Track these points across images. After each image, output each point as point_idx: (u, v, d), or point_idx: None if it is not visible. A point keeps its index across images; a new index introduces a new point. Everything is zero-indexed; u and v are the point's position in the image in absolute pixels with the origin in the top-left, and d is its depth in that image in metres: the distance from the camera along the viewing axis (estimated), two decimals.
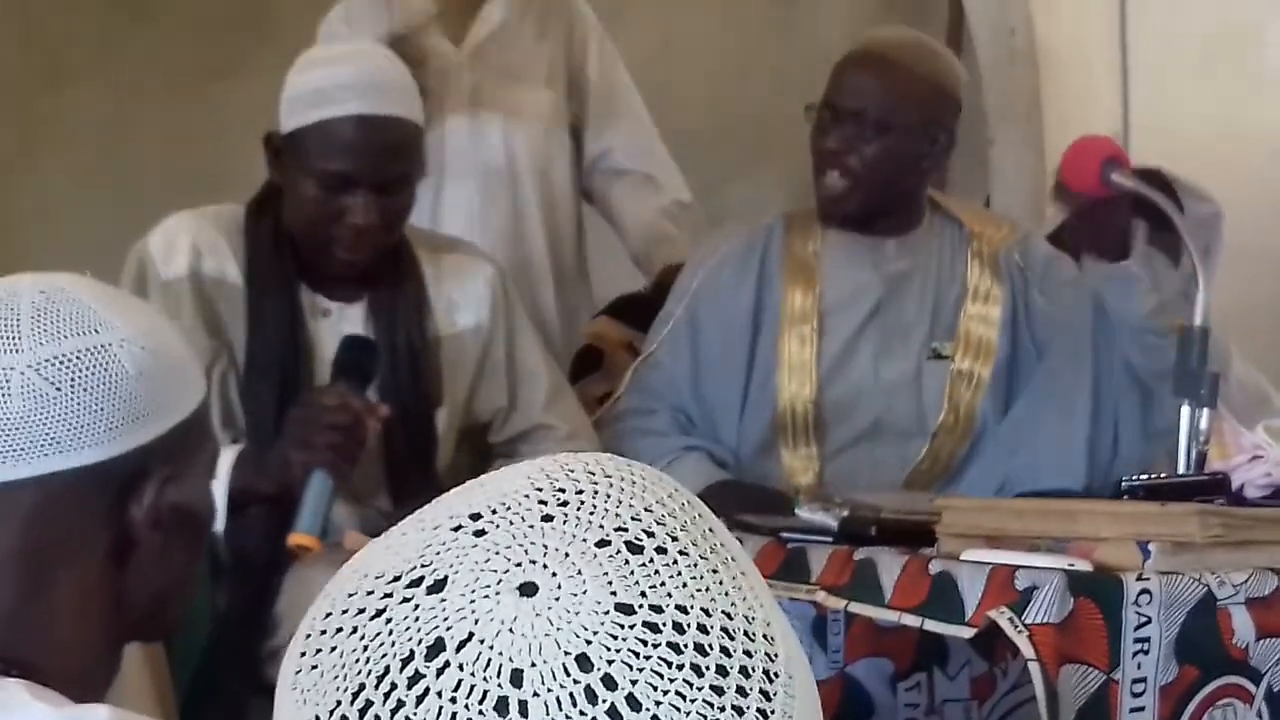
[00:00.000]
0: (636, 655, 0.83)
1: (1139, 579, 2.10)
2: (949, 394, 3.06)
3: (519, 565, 0.86)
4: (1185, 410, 2.62)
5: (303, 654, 0.89)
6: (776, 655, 0.87)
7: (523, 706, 0.82)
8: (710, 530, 0.91)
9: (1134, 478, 2.41)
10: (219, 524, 2.51)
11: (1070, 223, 3.35)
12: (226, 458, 2.54)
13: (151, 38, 4.75)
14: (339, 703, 0.85)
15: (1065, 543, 2.19)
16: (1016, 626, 2.05)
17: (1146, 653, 2.09)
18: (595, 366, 3.36)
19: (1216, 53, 4.42)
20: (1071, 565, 2.11)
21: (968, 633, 2.14)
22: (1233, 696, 2.18)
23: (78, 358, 1.37)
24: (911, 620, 2.21)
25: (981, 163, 4.33)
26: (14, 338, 1.36)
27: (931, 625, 2.18)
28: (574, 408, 3.00)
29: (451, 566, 0.87)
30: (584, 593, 0.85)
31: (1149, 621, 2.09)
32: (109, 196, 4.51)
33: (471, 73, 3.48)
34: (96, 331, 1.38)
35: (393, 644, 0.85)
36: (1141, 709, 2.10)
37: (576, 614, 0.84)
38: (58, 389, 1.36)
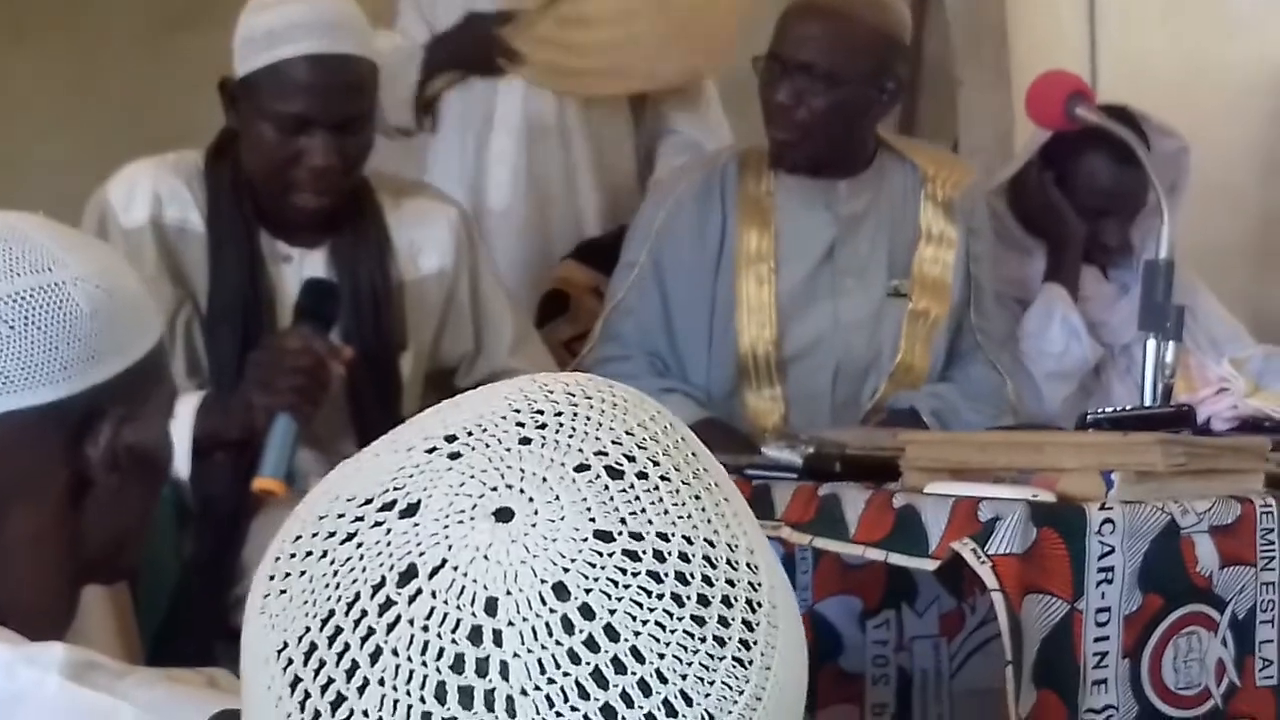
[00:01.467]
0: (615, 584, 0.81)
1: (1102, 508, 2.09)
2: (906, 333, 3.07)
3: (495, 490, 0.84)
4: (1151, 343, 2.63)
5: (271, 578, 0.86)
6: (760, 585, 0.85)
7: (497, 635, 0.80)
8: (694, 455, 0.89)
9: (1099, 410, 2.41)
10: (185, 470, 2.51)
11: (1033, 168, 3.36)
12: (190, 403, 2.53)
13: None
14: (308, 629, 0.83)
15: (1029, 474, 2.19)
16: (979, 557, 2.04)
17: (1110, 582, 2.09)
18: (561, 310, 3.36)
19: None
20: (1035, 496, 2.11)
21: (932, 565, 2.14)
22: (1197, 625, 2.18)
23: (31, 296, 1.36)
24: (876, 554, 2.21)
25: (950, 103, 4.32)
26: None
27: (896, 559, 2.18)
28: (540, 351, 2.99)
29: (425, 490, 0.85)
30: (562, 519, 0.82)
31: (1112, 551, 2.09)
32: (73, 151, 4.47)
33: (540, 19, 3.46)
34: (50, 270, 1.37)
35: (364, 569, 0.83)
36: (1106, 638, 2.10)
37: (554, 541, 0.82)
38: (11, 327, 1.35)
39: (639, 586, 0.81)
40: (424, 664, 0.80)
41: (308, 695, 0.82)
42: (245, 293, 2.69)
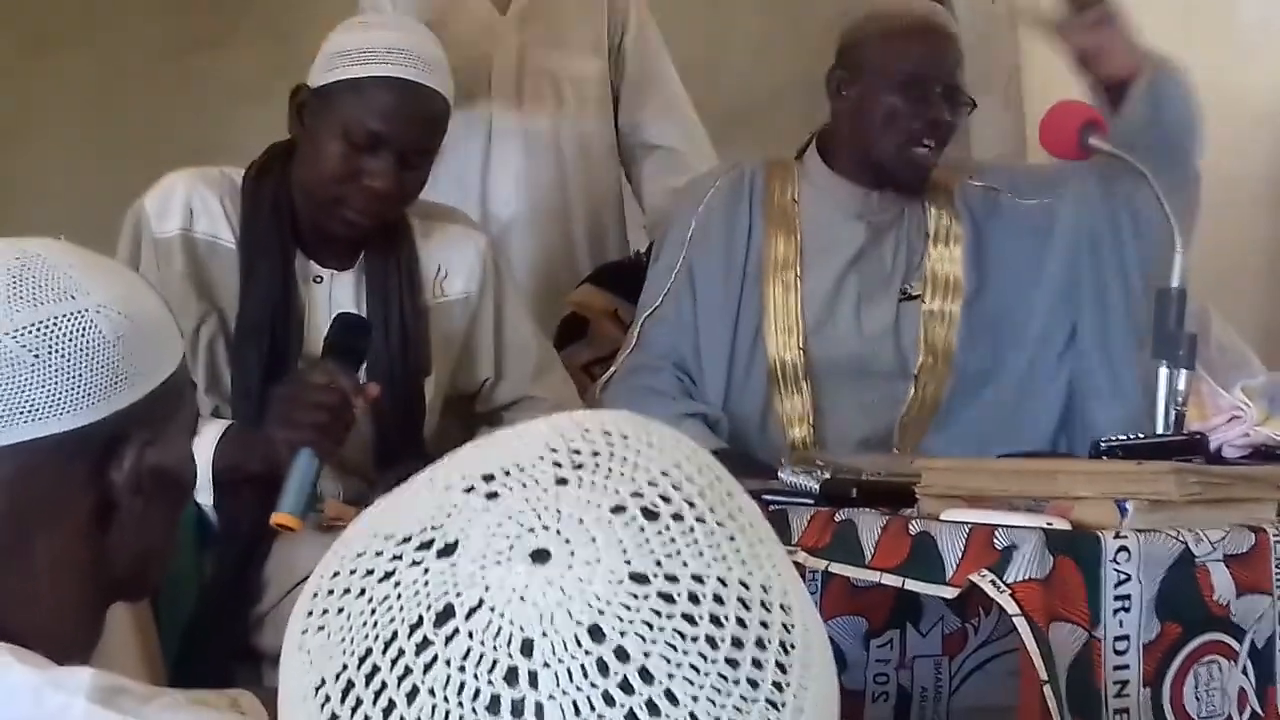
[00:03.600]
0: (650, 627, 0.81)
1: (1117, 537, 2.10)
2: (925, 336, 3.09)
3: (532, 531, 0.84)
4: (1163, 371, 2.63)
5: (310, 614, 0.87)
6: (793, 626, 0.85)
7: (533, 677, 0.80)
8: (729, 494, 0.90)
9: (1112, 438, 2.41)
10: (207, 500, 2.51)
11: None
12: (212, 434, 2.53)
13: (136, 8, 4.74)
14: (345, 666, 0.84)
15: (1043, 502, 2.20)
16: (999, 587, 2.05)
17: (1128, 610, 2.09)
18: (580, 334, 3.36)
19: (1196, 18, 4.42)
20: (1049, 524, 2.12)
21: (949, 593, 2.14)
22: (1217, 654, 2.18)
23: (55, 324, 1.36)
24: (892, 580, 2.21)
25: (964, 129, 4.32)
26: None
27: (912, 585, 2.19)
28: (561, 379, 3.00)
29: (463, 530, 0.85)
30: (598, 561, 0.83)
31: (1129, 579, 2.09)
32: (95, 167, 4.49)
33: (518, 36, 3.49)
34: (73, 297, 1.37)
35: (401, 609, 0.83)
36: (1126, 666, 2.09)
37: (590, 583, 0.82)
38: (35, 356, 1.35)
39: (674, 629, 0.82)
40: (460, 704, 0.80)
41: None
42: (274, 310, 2.68)
